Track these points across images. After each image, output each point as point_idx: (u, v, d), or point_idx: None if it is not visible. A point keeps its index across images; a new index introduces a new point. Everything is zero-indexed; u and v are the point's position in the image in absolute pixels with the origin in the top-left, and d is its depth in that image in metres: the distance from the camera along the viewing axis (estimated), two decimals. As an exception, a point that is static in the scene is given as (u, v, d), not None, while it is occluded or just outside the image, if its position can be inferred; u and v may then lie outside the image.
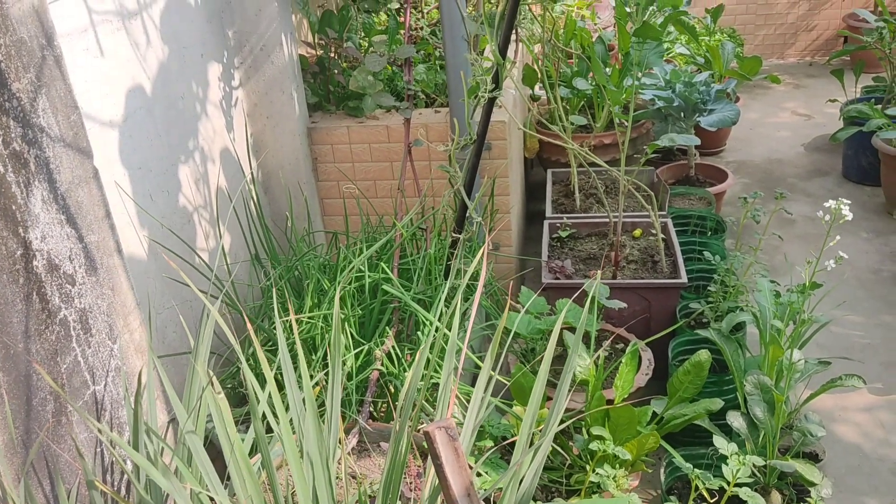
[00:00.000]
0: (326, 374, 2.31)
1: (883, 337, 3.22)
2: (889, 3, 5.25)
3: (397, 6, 3.21)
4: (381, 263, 2.37)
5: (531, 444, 1.62)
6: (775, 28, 6.73)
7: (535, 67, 3.71)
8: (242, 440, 1.57)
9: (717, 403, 2.19)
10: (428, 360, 2.33)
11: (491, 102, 2.23)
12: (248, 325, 1.42)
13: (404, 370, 2.28)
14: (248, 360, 2.40)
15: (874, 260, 3.77)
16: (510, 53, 3.00)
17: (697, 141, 2.97)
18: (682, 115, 3.84)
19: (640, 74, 2.68)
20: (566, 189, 3.83)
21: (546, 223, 3.40)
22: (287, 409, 1.35)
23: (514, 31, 2.90)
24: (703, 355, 2.25)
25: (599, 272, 2.90)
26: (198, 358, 1.46)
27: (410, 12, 2.56)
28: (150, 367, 1.50)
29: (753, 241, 3.68)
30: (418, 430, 1.81)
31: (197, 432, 1.65)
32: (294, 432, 1.40)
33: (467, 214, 2.36)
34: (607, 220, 3.29)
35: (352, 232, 3.03)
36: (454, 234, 2.40)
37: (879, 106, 4.31)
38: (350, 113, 3.21)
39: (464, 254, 2.72)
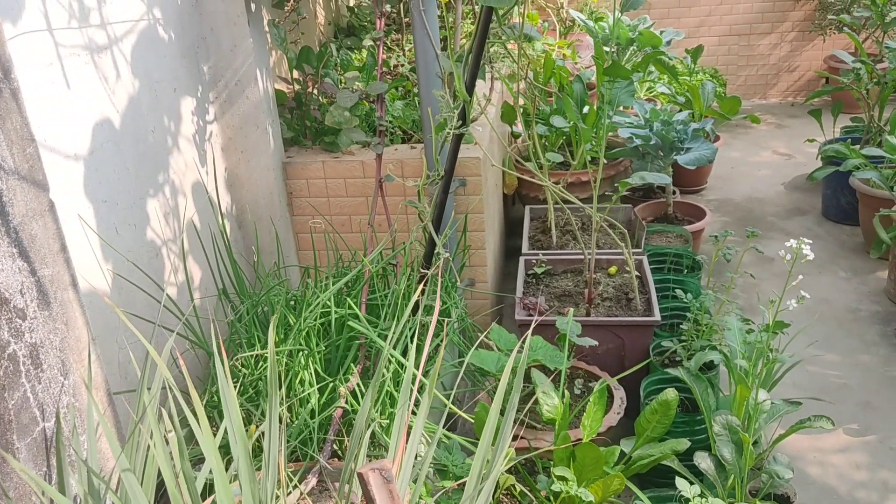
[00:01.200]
0: (289, 408, 2.28)
1: (860, 377, 3.20)
2: (868, 46, 5.32)
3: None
4: (348, 299, 2.35)
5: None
6: (757, 69, 6.82)
7: (514, 105, 3.74)
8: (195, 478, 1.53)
9: (682, 444, 2.16)
10: (392, 397, 2.30)
11: (458, 139, 2.23)
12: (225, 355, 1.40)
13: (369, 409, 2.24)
14: (211, 397, 2.37)
15: (852, 299, 3.77)
16: (486, 90, 3.03)
17: (668, 179, 2.98)
18: (660, 153, 3.86)
19: (611, 113, 2.69)
20: (543, 225, 3.83)
21: (522, 259, 3.39)
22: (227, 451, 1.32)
23: (488, 69, 2.92)
24: (670, 394, 2.22)
25: (572, 309, 2.88)
26: (141, 393, 1.43)
27: (383, 49, 2.57)
28: (90, 403, 1.47)
29: (729, 280, 3.68)
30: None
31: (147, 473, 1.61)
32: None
33: (436, 250, 2.35)
34: (582, 256, 3.28)
35: (324, 267, 3.01)
36: (422, 270, 2.38)
37: (857, 146, 4.35)
38: (326, 148, 3.21)
39: (434, 290, 2.70)
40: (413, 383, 1.59)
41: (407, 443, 1.43)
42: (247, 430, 1.99)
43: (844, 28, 4.90)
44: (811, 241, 2.00)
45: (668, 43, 4.68)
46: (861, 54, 4.55)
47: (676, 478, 1.99)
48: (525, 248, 3.55)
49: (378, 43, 2.62)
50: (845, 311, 3.67)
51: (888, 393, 3.09)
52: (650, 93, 5.63)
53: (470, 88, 2.17)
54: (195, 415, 1.24)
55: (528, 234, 3.74)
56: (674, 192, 4.36)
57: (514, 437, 2.54)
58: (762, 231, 4.49)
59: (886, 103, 4.47)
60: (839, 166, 4.10)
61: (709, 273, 3.06)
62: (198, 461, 2.12)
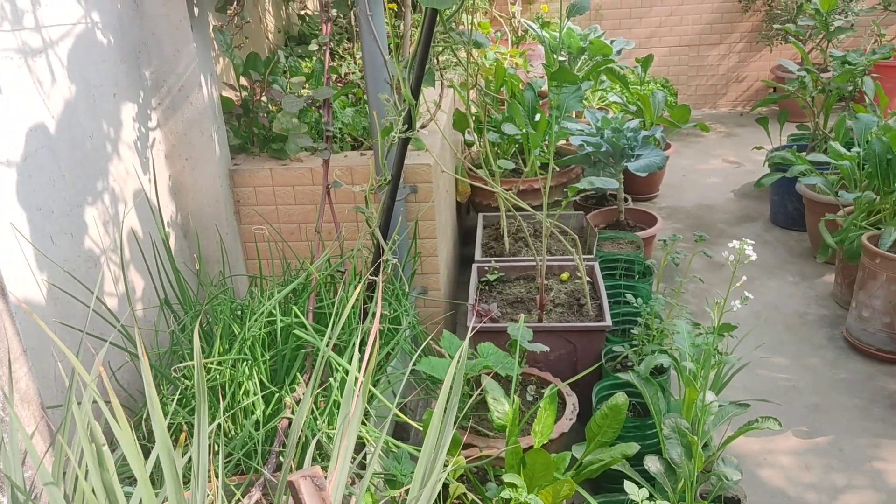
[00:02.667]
0: (234, 420, 2.22)
1: (808, 380, 3.24)
2: (814, 56, 5.44)
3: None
4: (294, 307, 2.30)
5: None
6: (707, 79, 6.93)
7: (466, 113, 3.73)
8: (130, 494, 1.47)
9: (632, 448, 2.15)
10: (339, 406, 2.25)
11: (405, 143, 2.20)
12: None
13: (316, 418, 2.19)
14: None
15: (800, 303, 3.82)
16: (437, 97, 3.01)
17: (616, 184, 2.99)
18: (611, 160, 3.88)
19: (560, 119, 2.69)
20: (496, 233, 3.82)
21: (475, 266, 3.37)
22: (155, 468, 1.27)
23: (438, 76, 2.90)
24: (620, 398, 2.21)
25: (524, 315, 2.87)
26: (69, 406, 1.37)
27: (331, 55, 2.54)
28: (12, 417, 1.40)
29: (679, 285, 3.71)
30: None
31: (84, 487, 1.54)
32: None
33: (384, 256, 2.31)
34: (535, 263, 3.28)
35: (274, 276, 2.95)
36: (370, 277, 2.34)
37: (803, 153, 4.43)
38: (274, 155, 3.16)
39: (383, 297, 2.66)
40: (356, 389, 1.54)
41: (344, 449, 1.39)
42: (186, 443, 1.92)
43: (790, 38, 5.00)
44: (753, 242, 2.01)
45: (619, 52, 4.73)
46: (806, 63, 4.64)
47: (625, 482, 1.97)
48: (478, 255, 3.53)
49: (324, 48, 2.59)
50: (794, 315, 3.72)
51: (836, 395, 3.13)
52: (602, 102, 5.68)
53: (416, 92, 2.15)
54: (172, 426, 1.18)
55: (482, 241, 3.72)
56: (626, 200, 4.39)
57: (466, 445, 2.51)
58: (713, 238, 4.54)
59: (831, 111, 4.56)
60: (786, 173, 4.17)
61: (658, 278, 3.07)
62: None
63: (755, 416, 2.46)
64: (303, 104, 2.68)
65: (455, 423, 2.65)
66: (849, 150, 3.85)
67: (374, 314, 2.31)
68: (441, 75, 3.16)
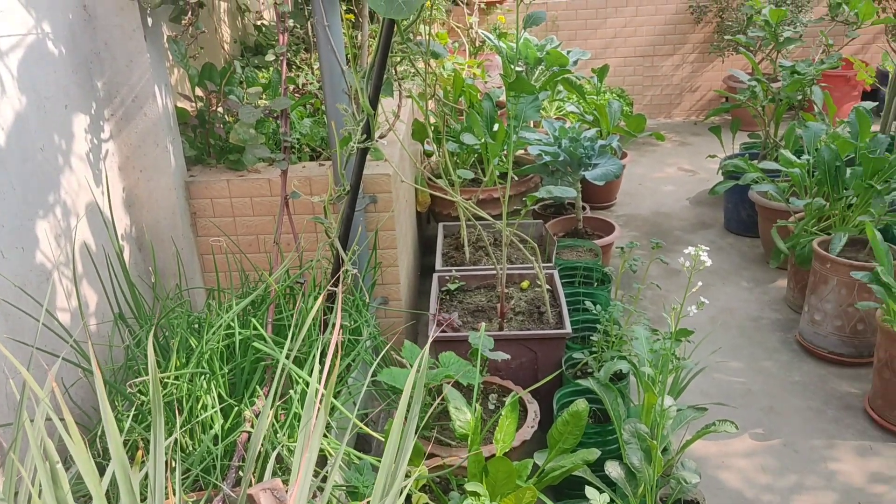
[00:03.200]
0: (190, 433, 2.18)
1: (763, 383, 3.30)
2: (765, 67, 5.57)
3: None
4: (253, 319, 2.28)
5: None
6: (661, 89, 7.05)
7: (425, 123, 3.73)
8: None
9: (593, 454, 2.17)
10: (300, 418, 2.23)
11: (363, 153, 2.20)
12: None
13: (276, 431, 2.17)
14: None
15: (754, 308, 3.90)
16: (395, 107, 3.01)
17: (574, 193, 3.03)
18: (569, 169, 3.92)
19: (518, 128, 2.71)
20: (457, 242, 3.83)
21: (435, 276, 3.37)
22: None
23: (396, 86, 2.91)
24: (581, 405, 2.23)
25: (484, 324, 2.87)
26: (19, 424, 1.34)
27: (288, 65, 2.53)
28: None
29: (636, 291, 3.76)
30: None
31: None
32: None
33: (343, 267, 2.30)
34: (495, 272, 3.29)
35: (232, 288, 2.92)
36: (330, 288, 2.33)
37: (755, 161, 4.53)
38: (231, 166, 3.13)
39: (343, 308, 2.65)
40: (317, 401, 1.53)
41: (305, 462, 1.38)
42: (143, 460, 1.89)
43: (741, 48, 5.11)
44: (708, 249, 2.05)
45: (575, 63, 4.79)
46: (756, 73, 4.75)
47: (587, 487, 1.98)
48: (438, 264, 3.54)
49: (281, 58, 2.58)
50: (748, 320, 3.79)
51: (790, 398, 3.19)
52: (560, 112, 5.74)
53: (374, 102, 2.15)
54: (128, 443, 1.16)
55: (442, 250, 3.73)
56: (584, 208, 4.43)
57: (429, 455, 2.50)
58: (669, 245, 4.61)
59: (781, 120, 4.67)
60: (739, 180, 4.25)
61: (616, 285, 3.11)
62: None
63: (713, 419, 2.50)
64: (260, 115, 2.66)
65: (417, 433, 2.65)
66: (799, 157, 3.94)
67: (334, 325, 2.29)
68: (399, 85, 3.16)
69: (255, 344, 2.20)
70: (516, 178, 4.25)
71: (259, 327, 2.23)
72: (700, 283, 2.21)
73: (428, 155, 4.48)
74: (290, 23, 2.70)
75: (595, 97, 5.70)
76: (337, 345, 1.71)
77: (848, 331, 3.32)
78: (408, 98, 3.98)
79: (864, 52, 6.81)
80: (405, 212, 3.61)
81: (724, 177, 4.57)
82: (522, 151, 4.52)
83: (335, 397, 2.58)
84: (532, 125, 5.27)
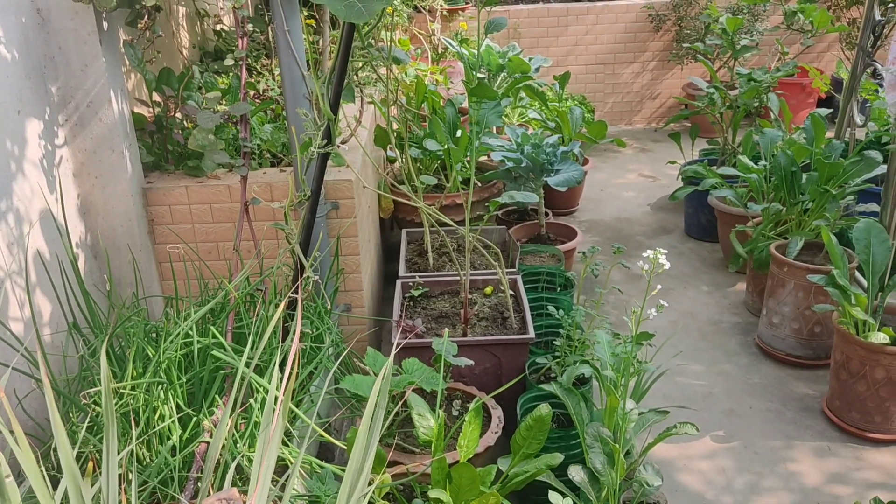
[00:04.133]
0: (147, 444, 2.14)
1: (723, 385, 3.34)
2: (723, 74, 5.66)
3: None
4: (212, 328, 2.24)
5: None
6: (622, 96, 7.13)
7: (388, 129, 3.72)
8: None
9: (556, 458, 2.17)
10: (259, 427, 2.20)
11: (324, 158, 2.18)
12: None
13: (236, 441, 2.13)
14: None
15: (714, 312, 3.95)
16: (355, 112, 3.00)
17: (536, 198, 3.04)
18: (531, 175, 3.93)
19: (480, 134, 2.71)
20: (420, 248, 3.82)
21: (399, 282, 3.36)
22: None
23: (358, 92, 2.90)
24: (544, 409, 2.23)
25: (448, 330, 2.87)
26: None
27: (247, 70, 2.50)
28: None
29: (599, 296, 3.78)
30: None
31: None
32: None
33: (304, 274, 2.28)
34: (459, 278, 3.29)
35: (191, 296, 2.87)
36: (291, 295, 2.30)
37: (714, 166, 4.59)
38: (189, 173, 3.08)
39: (305, 315, 2.62)
40: (276, 409, 1.51)
41: (264, 471, 1.36)
42: (97, 473, 1.84)
43: (699, 56, 5.19)
44: (667, 252, 2.06)
45: (537, 70, 4.82)
46: (714, 81, 4.82)
47: (550, 492, 1.98)
48: (402, 271, 3.52)
49: (241, 63, 2.55)
50: (708, 324, 3.83)
51: (750, 400, 3.23)
52: (522, 118, 5.77)
53: (334, 107, 2.13)
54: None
55: (406, 256, 3.72)
56: (547, 214, 4.45)
57: (392, 463, 2.48)
58: (631, 250, 4.65)
59: (739, 126, 4.75)
60: (698, 186, 4.31)
61: (578, 290, 3.12)
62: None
63: (674, 422, 2.52)
64: (218, 120, 2.62)
65: (380, 441, 2.63)
66: (756, 163, 4.01)
67: (295, 333, 2.26)
68: (361, 91, 3.15)
69: (213, 352, 2.16)
70: (480, 184, 4.26)
71: (218, 335, 2.19)
72: (660, 287, 2.23)
73: (392, 161, 4.47)
74: (250, 27, 2.67)
75: (557, 104, 5.74)
76: (297, 352, 1.69)
77: (805, 333, 3.37)
78: (370, 104, 3.96)
79: (819, 61, 6.96)
80: (368, 218, 3.59)
81: (683, 182, 4.62)
82: (486, 157, 4.53)
83: (297, 405, 2.55)
84: (495, 131, 5.29)
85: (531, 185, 4.00)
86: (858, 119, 4.02)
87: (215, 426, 2.13)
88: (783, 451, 2.92)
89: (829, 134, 4.59)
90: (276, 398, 2.13)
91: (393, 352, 1.75)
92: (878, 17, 3.79)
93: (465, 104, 4.30)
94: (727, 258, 4.36)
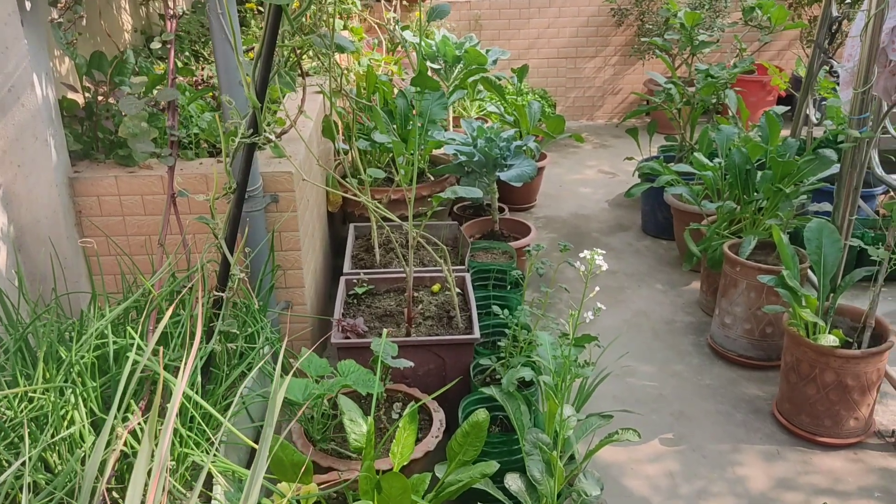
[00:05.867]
0: (58, 452, 2.00)
1: (674, 387, 3.27)
2: (683, 71, 5.61)
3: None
4: (128, 327, 2.11)
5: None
6: (584, 91, 7.06)
7: (337, 120, 3.59)
8: None
9: (492, 466, 2.08)
10: (181, 436, 2.07)
11: (250, 149, 2.06)
12: None
13: (152, 449, 2.00)
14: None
15: (668, 311, 3.88)
16: (299, 102, 2.86)
17: (480, 194, 2.94)
18: (484, 169, 3.83)
19: (425, 127, 2.60)
20: (368, 244, 3.70)
21: (343, 279, 3.24)
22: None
23: (300, 80, 2.77)
24: (481, 415, 2.13)
25: (386, 330, 2.76)
26: None
27: (175, 53, 2.36)
28: None
29: (546, 294, 3.69)
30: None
31: None
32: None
33: (231, 271, 2.15)
34: (405, 275, 3.18)
35: (118, 293, 2.73)
36: (216, 294, 2.18)
37: (671, 163, 4.53)
38: (120, 162, 2.93)
39: (234, 314, 2.50)
40: (193, 412, 1.39)
41: (158, 479, 1.24)
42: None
43: (657, 51, 5.13)
44: (604, 252, 1.98)
45: (495, 62, 4.72)
46: (673, 76, 4.76)
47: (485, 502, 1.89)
48: (347, 267, 3.40)
49: (169, 46, 2.41)
50: (662, 323, 3.77)
51: (700, 401, 3.17)
52: (481, 111, 5.67)
53: (261, 95, 2.01)
54: None
55: (352, 252, 3.60)
56: (503, 210, 4.36)
57: (326, 469, 2.37)
58: (587, 246, 4.57)
59: (697, 123, 4.70)
60: (654, 183, 4.24)
61: (524, 288, 3.03)
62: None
63: (620, 426, 2.45)
64: (143, 106, 2.48)
65: (315, 445, 2.50)
66: (712, 160, 3.95)
67: (220, 333, 2.14)
68: (303, 80, 3.02)
69: (128, 354, 2.02)
70: (433, 178, 4.15)
71: (134, 335, 2.06)
72: (597, 288, 2.14)
73: (344, 153, 4.34)
74: (181, 8, 2.53)
75: (515, 97, 5.65)
76: (197, 353, 1.57)
77: (757, 334, 3.32)
78: (318, 94, 3.83)
79: (780, 58, 6.95)
80: (313, 211, 3.47)
81: (640, 179, 4.56)
82: (441, 151, 4.42)
83: (226, 408, 2.43)
84: (452, 124, 5.18)
85: (484, 181, 3.90)
86: (814, 117, 3.98)
87: (130, 433, 2.00)
88: (731, 455, 2.86)
89: (787, 132, 4.56)
90: (189, 399, 2.01)
91: (328, 354, 1.63)
92: (835, 13, 3.75)
93: (419, 96, 4.18)
94: (683, 256, 4.30)
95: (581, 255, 1.95)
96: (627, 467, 2.80)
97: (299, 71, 3.10)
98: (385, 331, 2.54)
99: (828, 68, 3.93)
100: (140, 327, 2.17)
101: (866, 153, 3.08)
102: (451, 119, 5.15)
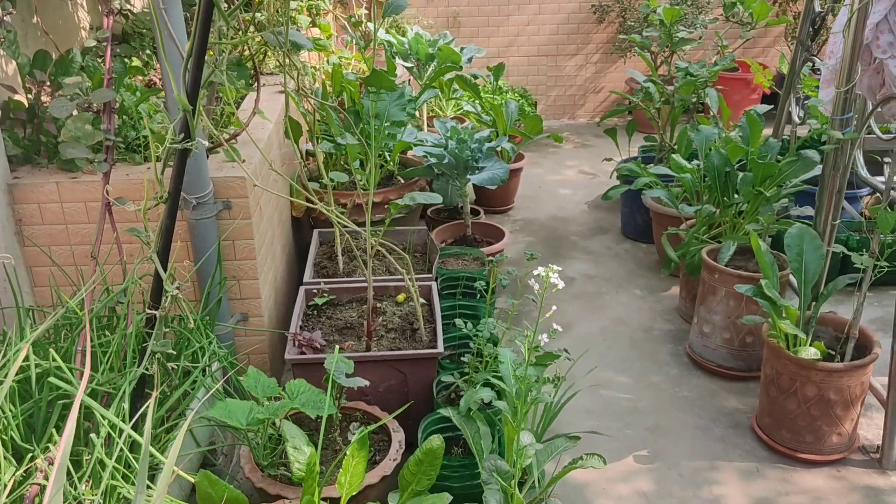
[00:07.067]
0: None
1: (651, 399, 3.13)
2: (664, 70, 5.47)
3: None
4: (50, 349, 1.95)
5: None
6: (566, 89, 6.91)
7: (290, 121, 3.43)
8: None
9: (444, 499, 1.93)
10: (105, 466, 1.91)
11: (183, 155, 1.90)
12: None
13: (76, 482, 1.85)
14: None
15: (646, 318, 3.74)
16: (261, 104, 2.70)
17: (440, 199, 2.79)
18: (455, 172, 3.68)
19: (382, 129, 2.45)
20: (332, 251, 3.54)
21: (302, 289, 3.09)
22: None
23: (256, 79, 2.61)
24: (435, 441, 1.98)
25: (339, 346, 2.61)
26: None
27: (111, 52, 2.20)
28: None
29: (525, 304, 3.54)
30: None
31: None
32: None
33: (165, 286, 1.99)
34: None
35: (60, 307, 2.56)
36: (149, 311, 2.02)
37: (651, 164, 4.39)
38: (63, 167, 2.76)
39: (176, 330, 2.34)
40: (124, 444, 1.23)
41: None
42: None
43: (636, 49, 4.98)
44: (560, 269, 1.83)
45: (470, 60, 4.56)
46: (652, 74, 4.62)
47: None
48: (308, 276, 3.25)
49: (105, 44, 2.24)
50: (639, 330, 3.63)
51: (678, 414, 3.03)
52: (458, 110, 5.52)
53: (192, 96, 1.85)
54: None
55: (314, 260, 3.44)
56: (479, 213, 4.21)
57: (275, 497, 2.22)
58: (565, 251, 4.44)
59: (677, 122, 4.55)
60: (632, 185, 4.10)
61: (489, 298, 2.88)
62: None
63: (588, 448, 2.31)
64: (73, 108, 2.32)
65: (263, 471, 2.34)
66: (690, 162, 3.81)
67: (153, 353, 1.98)
68: (258, 79, 2.87)
69: (50, 379, 1.87)
70: (402, 181, 3.99)
71: (57, 357, 1.90)
72: (554, 308, 2.00)
73: (311, 156, 4.18)
74: (116, 4, 2.36)
75: (492, 97, 5.50)
76: (172, 373, 1.42)
77: (737, 344, 3.18)
78: (280, 94, 3.67)
79: (765, 55, 6.82)
80: (272, 218, 3.31)
81: (619, 181, 4.42)
82: (411, 153, 4.27)
83: (169, 431, 2.27)
84: (426, 124, 5.02)
85: (456, 184, 3.75)
86: (797, 116, 3.84)
87: (50, 465, 1.84)
88: (709, 473, 2.72)
89: (769, 132, 4.42)
90: (120, 431, 1.85)
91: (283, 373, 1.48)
92: (818, 8, 3.61)
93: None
94: (662, 261, 4.16)
95: (535, 272, 1.79)
96: (599, 487, 2.66)
97: (253, 70, 2.94)
98: (337, 348, 2.39)
99: (811, 65, 3.79)
100: (66, 348, 2.01)
101: (850, 155, 2.94)
102: (425, 119, 5.00)
